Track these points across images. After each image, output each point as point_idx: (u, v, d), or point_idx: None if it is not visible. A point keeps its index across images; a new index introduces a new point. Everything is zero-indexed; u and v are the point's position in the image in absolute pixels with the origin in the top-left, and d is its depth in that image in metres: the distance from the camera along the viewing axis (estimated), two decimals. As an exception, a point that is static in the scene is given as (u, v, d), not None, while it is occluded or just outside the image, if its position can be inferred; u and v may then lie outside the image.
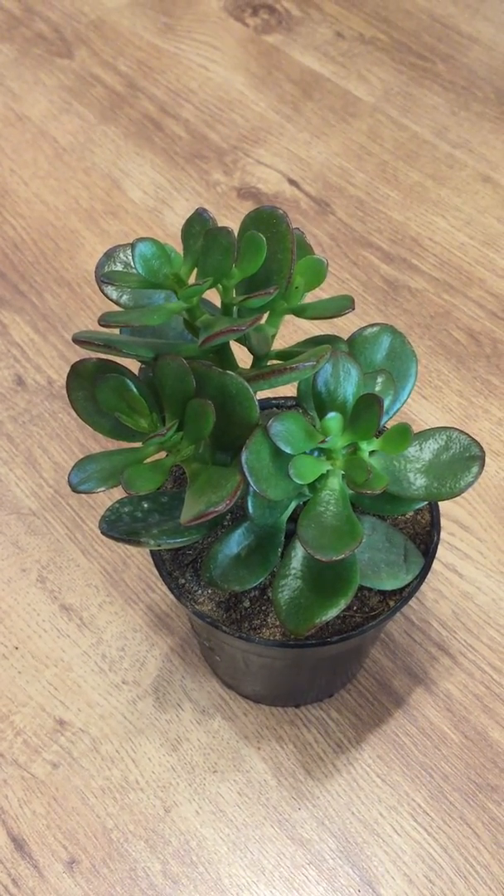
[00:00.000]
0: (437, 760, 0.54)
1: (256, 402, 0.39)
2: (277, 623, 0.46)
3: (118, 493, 0.60)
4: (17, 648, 0.58)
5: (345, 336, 0.47)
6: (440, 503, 0.59)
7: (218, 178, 0.81)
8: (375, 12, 0.95)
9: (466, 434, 0.42)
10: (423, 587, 0.60)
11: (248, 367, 0.44)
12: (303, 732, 0.55)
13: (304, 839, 0.52)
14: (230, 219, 0.78)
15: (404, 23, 0.94)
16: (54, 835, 0.52)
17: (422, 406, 0.68)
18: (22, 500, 0.64)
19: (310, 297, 0.48)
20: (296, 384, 0.49)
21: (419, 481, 0.41)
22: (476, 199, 0.79)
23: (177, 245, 0.56)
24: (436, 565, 0.60)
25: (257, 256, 0.39)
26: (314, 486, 0.41)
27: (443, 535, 0.62)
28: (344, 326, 0.70)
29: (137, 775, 0.53)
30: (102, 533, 0.42)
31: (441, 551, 0.61)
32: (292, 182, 0.81)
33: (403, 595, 0.46)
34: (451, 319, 0.72)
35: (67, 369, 0.70)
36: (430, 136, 0.84)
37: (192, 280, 0.40)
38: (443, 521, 0.62)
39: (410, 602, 0.59)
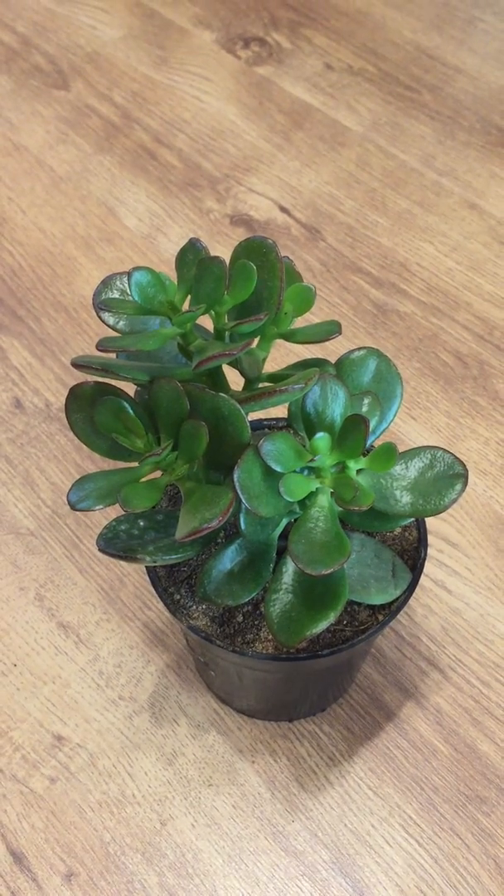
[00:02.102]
0: (428, 773, 0.55)
1: (248, 423, 0.41)
2: (270, 637, 0.47)
3: (114, 513, 0.62)
4: (15, 665, 0.59)
5: (335, 358, 0.49)
6: (428, 520, 0.60)
7: (211, 206, 0.83)
8: (364, 44, 0.97)
9: (450, 453, 0.43)
10: (413, 603, 0.61)
11: (240, 388, 0.46)
12: (296, 746, 0.56)
13: (297, 851, 0.53)
14: (223, 245, 0.81)
15: (392, 54, 0.96)
16: (52, 848, 0.53)
17: (411, 427, 0.69)
18: (20, 520, 0.65)
19: (301, 322, 0.49)
20: (287, 405, 0.50)
21: (405, 498, 0.43)
22: (462, 226, 0.82)
23: (171, 270, 0.58)
24: (425, 581, 0.62)
25: (248, 284, 0.40)
26: (304, 504, 0.42)
27: (431, 551, 0.63)
28: (334, 349, 0.72)
29: (134, 789, 0.54)
30: (100, 549, 0.43)
31: (430, 568, 0.62)
32: (283, 209, 0.83)
33: (392, 609, 0.48)
34: (438, 342, 0.74)
35: (64, 392, 0.72)
36: (418, 165, 0.86)
37: (185, 307, 0.42)
38: (432, 539, 0.63)
39: (400, 618, 0.60)
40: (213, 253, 0.79)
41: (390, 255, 0.80)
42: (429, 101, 0.92)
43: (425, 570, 0.61)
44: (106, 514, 0.64)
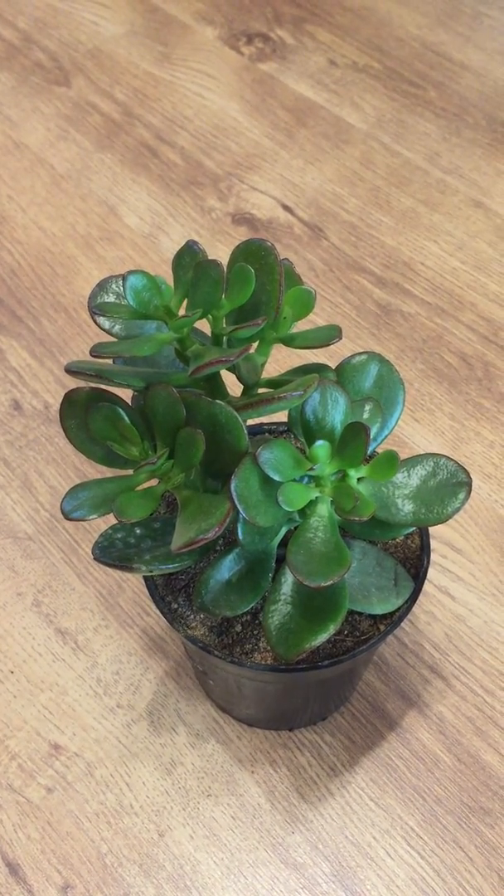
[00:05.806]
0: (430, 783, 0.54)
1: (245, 431, 0.40)
2: (269, 647, 0.47)
3: (114, 518, 0.61)
4: (12, 672, 0.58)
5: (336, 360, 0.48)
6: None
7: (213, 205, 0.82)
8: (368, 40, 0.96)
9: (453, 460, 0.42)
10: (416, 609, 0.60)
11: (238, 393, 0.45)
12: (296, 756, 0.55)
13: (297, 863, 0.52)
14: (225, 244, 0.79)
15: (397, 51, 0.95)
16: (49, 859, 0.52)
17: (414, 429, 0.68)
18: (18, 525, 0.64)
19: (303, 323, 0.48)
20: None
21: (407, 507, 0.42)
22: (467, 224, 0.80)
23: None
24: (428, 587, 0.61)
25: (246, 288, 0.40)
26: (303, 513, 0.41)
27: (435, 557, 0.62)
28: (336, 350, 0.71)
29: (132, 799, 0.54)
30: (95, 559, 0.43)
31: (433, 573, 0.61)
32: (286, 208, 0.82)
33: (394, 619, 0.47)
34: (442, 343, 0.73)
35: (64, 394, 0.71)
36: (423, 163, 0.85)
37: (182, 311, 0.41)
38: (435, 544, 0.62)
39: (403, 625, 0.59)
40: (214, 252, 0.79)
41: (394, 255, 0.78)
42: (434, 98, 0.90)
43: (428, 575, 0.61)
44: (105, 519, 0.63)
